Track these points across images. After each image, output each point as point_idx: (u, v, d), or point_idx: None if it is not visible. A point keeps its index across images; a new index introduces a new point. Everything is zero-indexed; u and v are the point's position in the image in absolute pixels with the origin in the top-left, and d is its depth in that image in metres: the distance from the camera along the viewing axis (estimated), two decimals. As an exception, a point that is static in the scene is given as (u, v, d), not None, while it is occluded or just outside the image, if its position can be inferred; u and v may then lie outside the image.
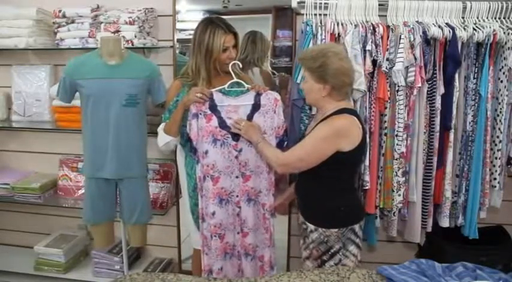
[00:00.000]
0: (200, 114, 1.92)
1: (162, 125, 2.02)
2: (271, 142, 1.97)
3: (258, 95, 1.97)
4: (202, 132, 1.94)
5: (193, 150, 1.97)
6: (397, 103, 2.09)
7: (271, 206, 2.03)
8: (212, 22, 1.97)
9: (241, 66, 2.01)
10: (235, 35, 1.99)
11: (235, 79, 1.95)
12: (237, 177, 1.98)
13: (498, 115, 2.12)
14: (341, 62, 1.73)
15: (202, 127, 1.94)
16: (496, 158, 2.17)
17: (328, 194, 1.82)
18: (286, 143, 2.03)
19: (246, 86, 1.97)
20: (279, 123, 1.99)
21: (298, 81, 2.08)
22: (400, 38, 2.01)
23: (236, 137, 1.95)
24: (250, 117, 1.96)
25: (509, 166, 2.24)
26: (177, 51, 2.53)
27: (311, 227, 1.84)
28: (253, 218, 2.03)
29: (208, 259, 2.05)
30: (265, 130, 1.96)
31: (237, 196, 2.00)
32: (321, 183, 1.81)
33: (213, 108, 1.94)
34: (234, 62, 1.96)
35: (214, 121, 1.94)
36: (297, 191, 1.97)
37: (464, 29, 2.06)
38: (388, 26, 2.09)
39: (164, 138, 2.01)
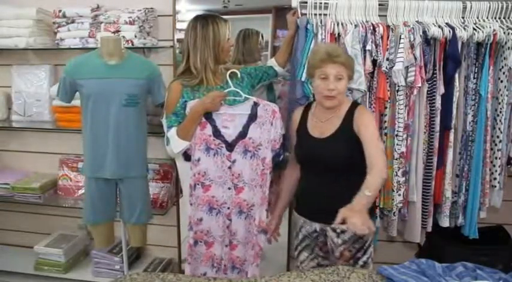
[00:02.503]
0: None
1: (173, 131, 1.92)
2: (267, 155, 1.92)
3: (255, 105, 1.93)
4: (196, 139, 1.91)
5: (184, 156, 1.95)
6: (397, 103, 2.09)
7: (272, 231, 2.01)
8: (210, 16, 1.98)
9: (239, 75, 1.97)
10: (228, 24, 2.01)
11: (232, 88, 1.92)
12: (229, 188, 1.94)
13: (498, 115, 2.12)
14: None
15: (196, 134, 1.91)
16: (496, 158, 2.16)
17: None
18: (282, 156, 1.98)
19: (243, 95, 1.93)
20: (276, 137, 1.94)
21: (303, 78, 2.05)
22: (400, 38, 2.01)
23: (230, 147, 1.91)
24: (246, 128, 1.91)
25: (509, 166, 2.24)
26: (177, 51, 2.52)
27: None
28: (244, 231, 1.98)
29: (191, 269, 2.01)
30: (260, 142, 1.91)
31: (229, 208, 1.95)
32: (359, 175, 1.71)
33: (208, 116, 1.90)
34: (231, 70, 1.94)
35: (209, 129, 1.91)
36: (324, 195, 1.82)
37: (464, 29, 2.05)
38: (388, 26, 2.09)
39: (181, 144, 1.92)
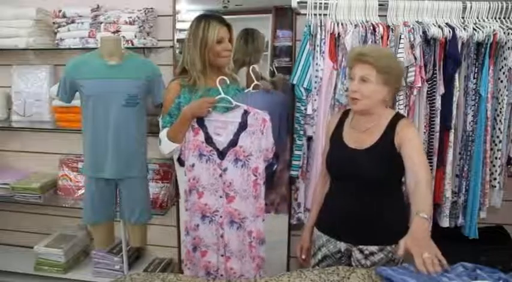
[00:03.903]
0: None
1: (164, 132, 1.92)
2: (259, 165, 1.86)
3: (245, 113, 1.87)
4: (189, 145, 1.90)
5: (178, 161, 1.94)
6: (397, 103, 2.09)
7: (306, 251, 1.92)
8: (206, 16, 1.96)
9: (228, 82, 1.90)
10: (229, 28, 1.95)
11: (223, 95, 1.86)
12: (221, 196, 1.91)
13: (498, 115, 2.12)
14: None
15: (190, 140, 1.89)
16: (496, 158, 2.16)
17: (401, 202, 1.68)
18: (276, 166, 1.94)
19: (234, 102, 1.87)
20: (268, 146, 1.87)
21: (294, 81, 2.05)
22: (400, 38, 2.01)
23: (221, 155, 1.88)
24: (236, 136, 1.87)
25: (509, 166, 2.24)
26: (177, 51, 2.52)
27: (371, 249, 1.65)
28: (237, 243, 1.94)
29: (191, 273, 1.99)
30: (251, 151, 1.87)
31: (221, 217, 1.93)
32: (394, 193, 1.68)
33: (200, 122, 1.88)
34: (221, 77, 1.87)
35: (201, 136, 1.88)
36: (355, 212, 1.68)
37: (464, 29, 2.05)
38: (388, 26, 2.09)
39: (169, 146, 1.92)
